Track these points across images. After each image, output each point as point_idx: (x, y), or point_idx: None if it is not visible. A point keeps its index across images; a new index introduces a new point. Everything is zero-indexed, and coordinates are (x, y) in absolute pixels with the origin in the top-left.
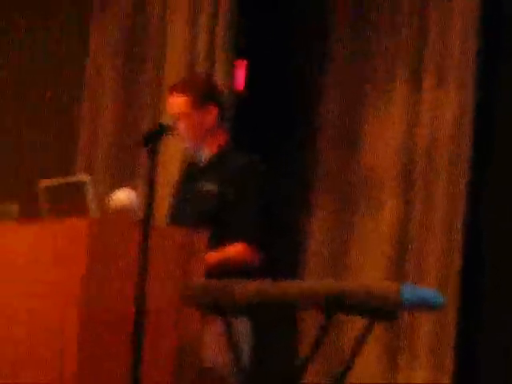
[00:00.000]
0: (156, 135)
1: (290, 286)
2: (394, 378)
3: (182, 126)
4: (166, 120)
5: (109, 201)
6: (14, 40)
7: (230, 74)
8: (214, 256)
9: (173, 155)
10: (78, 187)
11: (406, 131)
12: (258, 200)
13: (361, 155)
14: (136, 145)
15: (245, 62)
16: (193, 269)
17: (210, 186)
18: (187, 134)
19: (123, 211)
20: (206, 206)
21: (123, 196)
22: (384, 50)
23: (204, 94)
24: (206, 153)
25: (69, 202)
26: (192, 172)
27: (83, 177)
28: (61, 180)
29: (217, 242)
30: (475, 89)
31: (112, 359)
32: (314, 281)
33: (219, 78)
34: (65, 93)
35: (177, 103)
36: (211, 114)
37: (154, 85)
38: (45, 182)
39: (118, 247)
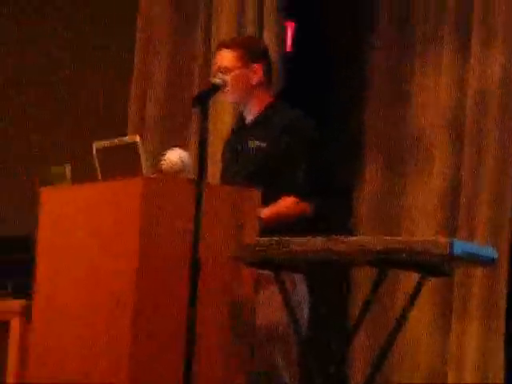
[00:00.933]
0: (206, 95)
1: (343, 242)
2: (447, 336)
3: (228, 80)
4: (215, 79)
5: (161, 161)
6: None
7: (279, 36)
8: (266, 212)
9: (224, 114)
10: (131, 148)
11: (454, 88)
12: (309, 155)
13: (410, 113)
14: (188, 105)
15: (292, 24)
16: (246, 226)
17: (258, 143)
18: (232, 88)
19: (175, 171)
20: (256, 163)
21: (175, 156)
22: (430, 11)
23: (251, 51)
24: (252, 111)
25: (122, 162)
26: (239, 131)
27: (135, 137)
28: (113, 141)
29: (270, 198)
30: None
31: (167, 317)
32: (365, 237)
33: (268, 40)
34: (116, 51)
35: (224, 57)
36: (257, 72)
37: (204, 46)
38: (98, 144)
39: (172, 205)
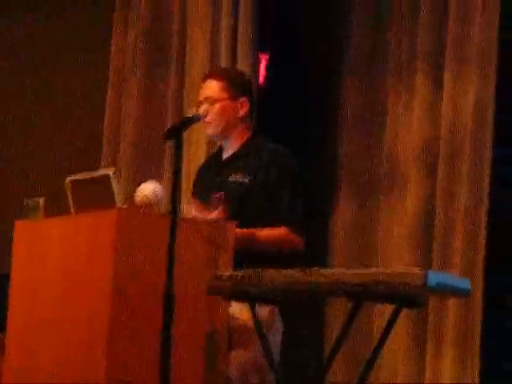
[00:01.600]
0: (180, 128)
1: (317, 275)
2: (422, 369)
3: (213, 111)
4: (189, 113)
5: (135, 194)
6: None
7: (253, 68)
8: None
9: (199, 147)
10: (104, 181)
11: (427, 119)
12: (295, 186)
13: (383, 144)
14: (162, 137)
15: (266, 56)
16: (221, 259)
17: (240, 179)
18: (217, 120)
19: (149, 204)
20: (238, 197)
21: (149, 189)
22: (403, 42)
23: (238, 83)
24: (233, 145)
25: (95, 195)
26: (217, 164)
27: (108, 170)
28: (86, 175)
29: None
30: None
31: (142, 346)
32: (340, 269)
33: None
34: (90, 86)
35: (212, 88)
36: (244, 107)
37: (177, 77)
38: (71, 177)
39: (146, 237)
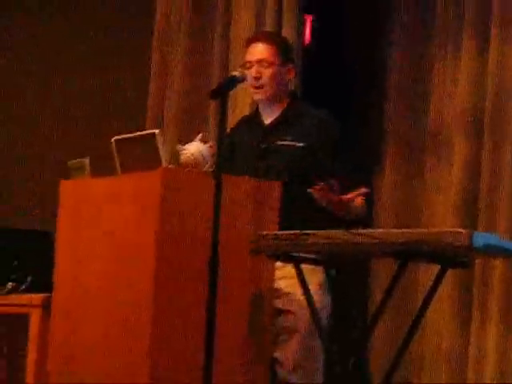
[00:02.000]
0: (226, 87)
1: (362, 235)
2: (466, 331)
3: (267, 74)
4: (235, 72)
5: (180, 154)
6: None
7: (297, 29)
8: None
9: (242, 109)
10: (149, 141)
11: (472, 81)
12: (348, 150)
13: (429, 108)
14: (208, 97)
15: (310, 17)
16: (265, 218)
17: (292, 143)
18: (270, 83)
19: (194, 164)
20: (295, 159)
21: (194, 149)
22: (451, 5)
23: (287, 50)
24: (275, 110)
25: (141, 155)
26: (254, 129)
27: (153, 130)
28: (132, 135)
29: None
30: None
31: (187, 308)
32: (385, 229)
33: (287, 33)
34: (135, 46)
35: (265, 51)
36: (290, 73)
37: (222, 37)
38: (117, 137)
39: (191, 197)
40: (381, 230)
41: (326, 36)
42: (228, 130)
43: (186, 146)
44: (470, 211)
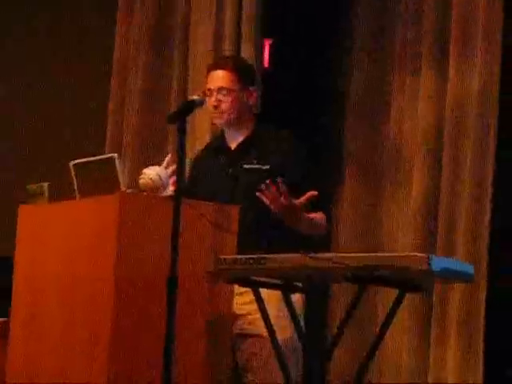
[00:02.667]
0: (184, 112)
1: (320, 259)
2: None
3: (227, 101)
4: (193, 96)
5: (139, 177)
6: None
7: (257, 53)
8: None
9: (202, 135)
10: (108, 164)
11: (433, 102)
12: (313, 171)
13: (389, 128)
14: (166, 121)
15: (269, 41)
16: (225, 243)
17: (258, 166)
18: (231, 109)
19: (153, 188)
20: (262, 182)
21: (153, 173)
22: (410, 24)
23: (249, 74)
24: (240, 134)
25: (100, 179)
26: (220, 153)
27: (112, 154)
28: (91, 158)
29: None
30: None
31: (145, 330)
32: (343, 253)
33: (246, 56)
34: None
35: (225, 78)
36: (253, 96)
37: (181, 62)
38: (75, 161)
39: (150, 221)
40: (339, 254)
41: (285, 58)
42: (191, 158)
43: (145, 170)
44: (429, 234)
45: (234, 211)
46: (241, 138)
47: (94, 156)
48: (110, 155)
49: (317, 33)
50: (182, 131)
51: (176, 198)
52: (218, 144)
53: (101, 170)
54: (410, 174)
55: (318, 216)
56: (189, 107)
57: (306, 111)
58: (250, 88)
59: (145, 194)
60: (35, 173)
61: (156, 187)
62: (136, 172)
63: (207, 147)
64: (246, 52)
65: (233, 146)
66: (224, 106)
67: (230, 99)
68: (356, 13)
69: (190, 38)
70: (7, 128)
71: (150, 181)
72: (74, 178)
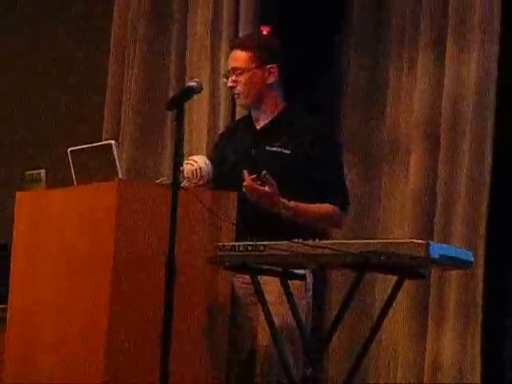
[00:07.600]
0: (181, 98)
1: (318, 247)
2: (423, 339)
3: (241, 81)
4: (191, 82)
5: (185, 163)
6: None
7: None
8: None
9: (197, 123)
10: (105, 151)
11: (429, 90)
12: (340, 163)
13: (386, 117)
14: (164, 107)
15: (267, 29)
16: (223, 230)
17: (279, 149)
18: (246, 90)
19: (199, 176)
20: (280, 166)
21: (202, 160)
22: (408, 13)
23: (267, 51)
24: (266, 114)
25: (97, 166)
26: (246, 133)
27: (109, 141)
28: (88, 145)
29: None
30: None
31: (143, 318)
32: (341, 240)
33: None
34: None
35: (239, 58)
36: (272, 73)
37: (178, 45)
38: (73, 148)
39: (147, 208)
40: (337, 241)
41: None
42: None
43: (194, 157)
44: (427, 221)
45: (232, 197)
46: (267, 119)
47: (92, 143)
48: (107, 142)
49: (315, 22)
50: (179, 118)
51: (173, 185)
52: (243, 123)
53: (98, 157)
54: (407, 163)
55: (323, 207)
56: (186, 94)
57: (304, 98)
58: (268, 66)
59: (185, 181)
60: (33, 160)
61: (201, 176)
62: (133, 160)
63: (235, 126)
64: None
65: (259, 125)
66: (239, 87)
67: (243, 80)
68: (353, 4)
69: (188, 24)
70: (5, 114)
71: (198, 169)
72: (72, 164)
